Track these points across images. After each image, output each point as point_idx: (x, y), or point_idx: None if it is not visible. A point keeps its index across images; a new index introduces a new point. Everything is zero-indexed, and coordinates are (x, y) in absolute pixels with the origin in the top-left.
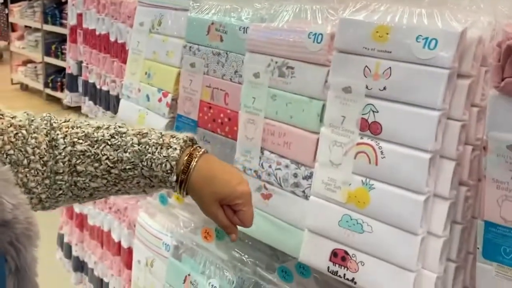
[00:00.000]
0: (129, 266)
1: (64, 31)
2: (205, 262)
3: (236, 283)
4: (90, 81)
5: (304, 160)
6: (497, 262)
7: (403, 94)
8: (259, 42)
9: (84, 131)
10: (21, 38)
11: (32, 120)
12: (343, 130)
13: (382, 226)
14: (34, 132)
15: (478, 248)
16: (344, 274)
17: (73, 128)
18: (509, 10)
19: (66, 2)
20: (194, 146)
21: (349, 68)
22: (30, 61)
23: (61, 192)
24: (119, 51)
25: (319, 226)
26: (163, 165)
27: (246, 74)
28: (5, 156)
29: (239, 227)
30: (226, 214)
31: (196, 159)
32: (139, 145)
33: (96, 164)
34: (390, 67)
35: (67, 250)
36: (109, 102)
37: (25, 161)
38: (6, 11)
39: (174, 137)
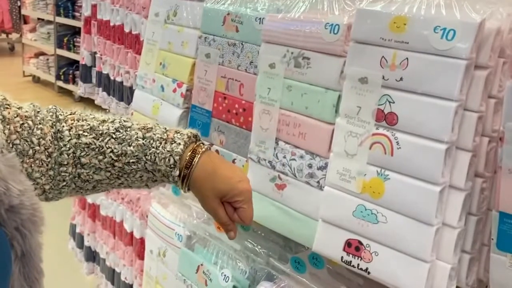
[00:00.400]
0: (141, 256)
1: (77, 23)
2: (218, 252)
3: (249, 274)
4: (104, 72)
5: (319, 150)
6: (511, 253)
7: (420, 85)
8: (275, 33)
9: (89, 124)
10: (33, 30)
11: (38, 112)
12: (359, 120)
13: (397, 216)
14: (39, 123)
15: (492, 239)
16: (358, 264)
17: (78, 121)
18: None
19: None
20: (198, 142)
21: (365, 59)
22: (42, 54)
23: (64, 183)
24: (133, 42)
25: (333, 216)
26: (167, 159)
27: (261, 65)
28: (11, 145)
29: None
30: (226, 211)
31: (199, 155)
32: (143, 139)
33: (100, 157)
34: (407, 58)
35: (79, 240)
36: (123, 93)
37: (30, 152)
38: (19, 3)
39: (178, 132)
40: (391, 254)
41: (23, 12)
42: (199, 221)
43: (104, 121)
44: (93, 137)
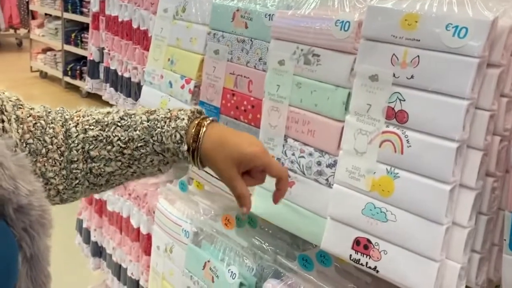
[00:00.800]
0: (147, 252)
1: (84, 19)
2: (225, 249)
3: (256, 271)
4: (112, 67)
5: (328, 148)
6: None
7: (431, 83)
8: (285, 29)
9: (94, 118)
10: (41, 26)
11: (49, 112)
12: (369, 118)
13: (406, 215)
14: (51, 123)
15: (504, 240)
16: (367, 263)
17: (84, 117)
18: None
19: None
20: (202, 116)
21: (376, 56)
22: (50, 49)
23: (77, 181)
24: (141, 38)
25: (342, 214)
26: (173, 136)
27: (270, 62)
28: (24, 145)
29: (263, 216)
30: (254, 177)
31: (204, 128)
32: (148, 122)
33: (109, 147)
34: (418, 56)
35: (86, 235)
36: (130, 89)
37: (44, 151)
38: None
39: (181, 110)
40: (400, 252)
41: (31, 7)
42: (206, 218)
43: (108, 112)
44: (100, 129)
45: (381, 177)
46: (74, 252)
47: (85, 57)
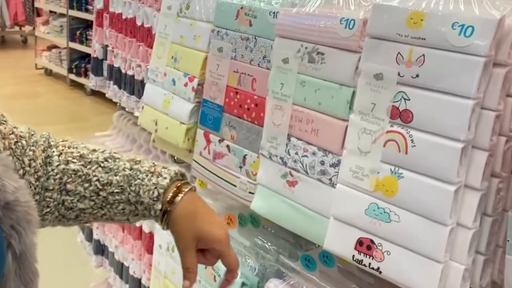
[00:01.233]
0: (150, 250)
1: (90, 17)
2: None
3: (258, 270)
4: (115, 65)
5: (331, 147)
6: None
7: (436, 82)
8: (289, 27)
9: (79, 152)
10: (46, 23)
11: (32, 134)
12: (373, 117)
13: (410, 215)
14: (32, 145)
15: (508, 241)
16: (369, 263)
17: (69, 148)
18: None
19: None
20: (184, 181)
21: (381, 55)
22: (55, 46)
23: (48, 210)
24: (145, 36)
25: (345, 214)
26: (151, 192)
27: (274, 60)
28: None
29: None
30: (207, 258)
31: (183, 193)
32: (130, 170)
33: (86, 185)
34: (423, 54)
35: (88, 233)
36: (134, 87)
37: (21, 171)
38: None
39: (166, 168)
40: (404, 253)
41: (36, 5)
42: None
43: (94, 150)
44: (82, 165)
45: (385, 177)
46: (76, 250)
47: (90, 55)
